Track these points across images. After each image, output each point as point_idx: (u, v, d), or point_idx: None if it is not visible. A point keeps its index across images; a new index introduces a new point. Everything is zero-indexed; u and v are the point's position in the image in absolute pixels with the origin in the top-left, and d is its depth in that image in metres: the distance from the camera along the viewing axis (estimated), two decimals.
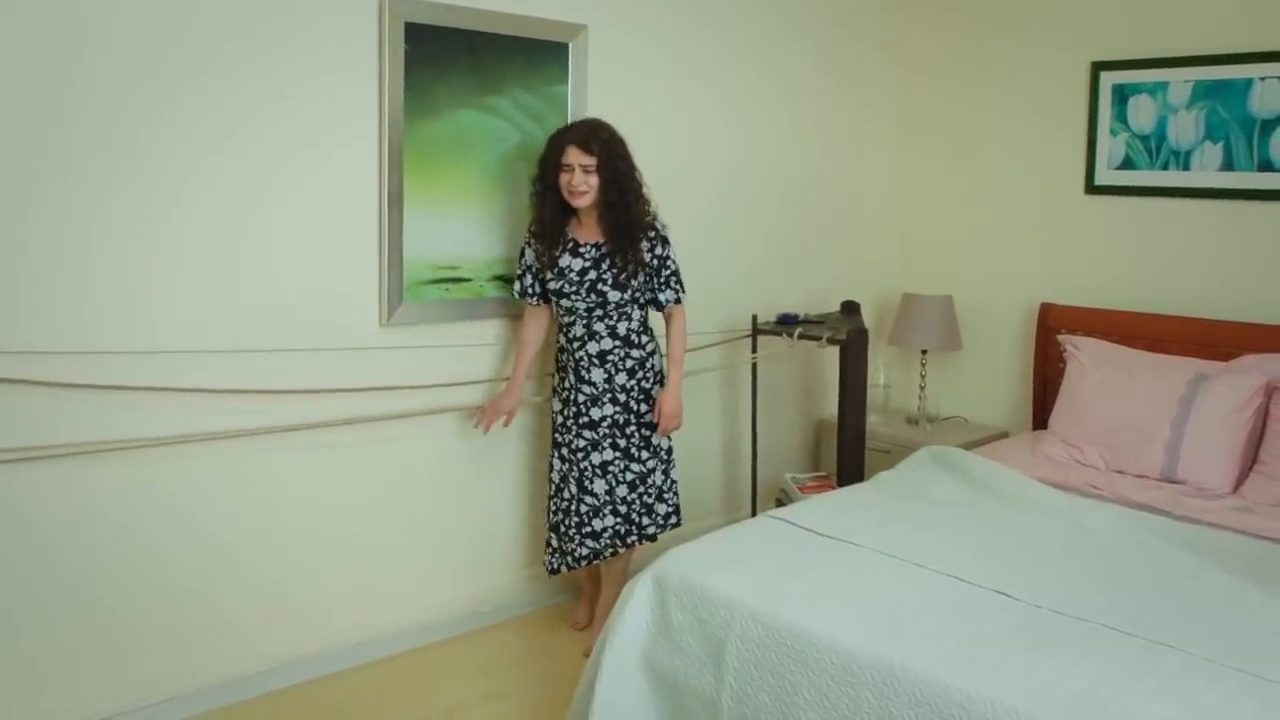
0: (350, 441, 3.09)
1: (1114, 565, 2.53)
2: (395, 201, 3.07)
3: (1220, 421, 3.19)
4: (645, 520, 3.24)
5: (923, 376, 4.32)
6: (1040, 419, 4.02)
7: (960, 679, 1.98)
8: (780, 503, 3.94)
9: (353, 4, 2.94)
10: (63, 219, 2.53)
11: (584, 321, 3.16)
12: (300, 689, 3.01)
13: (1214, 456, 3.17)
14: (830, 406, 4.45)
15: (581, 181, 3.04)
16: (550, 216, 3.13)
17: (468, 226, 3.26)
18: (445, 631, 3.36)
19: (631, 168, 3.11)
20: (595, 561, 3.25)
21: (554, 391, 3.31)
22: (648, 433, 3.23)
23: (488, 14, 3.18)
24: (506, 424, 3.31)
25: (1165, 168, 3.80)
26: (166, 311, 2.72)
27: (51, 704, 2.63)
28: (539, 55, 3.34)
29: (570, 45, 3.40)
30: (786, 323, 3.97)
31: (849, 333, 3.78)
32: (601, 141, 3.05)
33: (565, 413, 3.23)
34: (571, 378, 3.20)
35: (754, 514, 4.04)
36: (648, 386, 3.22)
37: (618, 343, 3.17)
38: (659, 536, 3.29)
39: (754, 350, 4.02)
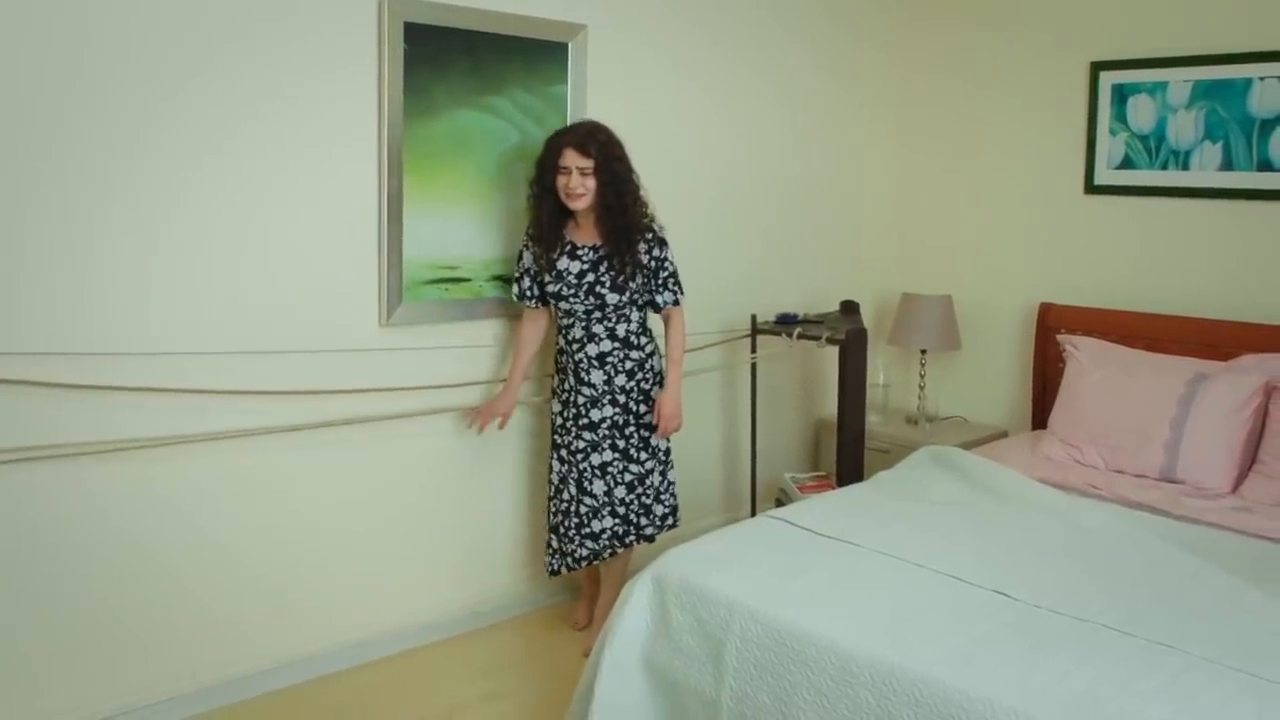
0: (350, 441, 3.09)
1: (1113, 565, 2.53)
2: (395, 201, 3.07)
3: (1219, 421, 3.19)
4: (643, 521, 3.24)
5: (922, 376, 4.32)
6: (1039, 419, 4.02)
7: (959, 679, 1.98)
8: (780, 502, 3.95)
9: (352, 4, 2.94)
10: (63, 219, 2.54)
11: (583, 324, 3.16)
12: (300, 689, 3.01)
13: (1213, 456, 3.17)
14: (830, 406, 4.45)
15: (579, 184, 3.04)
16: (548, 219, 3.13)
17: (467, 226, 3.26)
18: (445, 631, 3.36)
19: (629, 170, 3.10)
20: (595, 562, 3.25)
21: (553, 393, 3.31)
22: (646, 434, 3.23)
23: (487, 14, 3.19)
24: (501, 426, 3.31)
25: (1165, 167, 3.80)
26: (166, 311, 2.72)
27: (51, 704, 2.64)
28: (538, 55, 3.34)
29: (570, 45, 3.40)
30: (786, 322, 3.97)
31: (848, 332, 3.78)
32: (599, 144, 3.05)
33: (565, 414, 3.23)
34: (571, 379, 3.20)
35: (753, 514, 4.04)
36: (647, 388, 3.22)
37: (617, 344, 3.17)
38: (656, 537, 3.30)
39: (753, 350, 4.03)
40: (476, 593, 3.46)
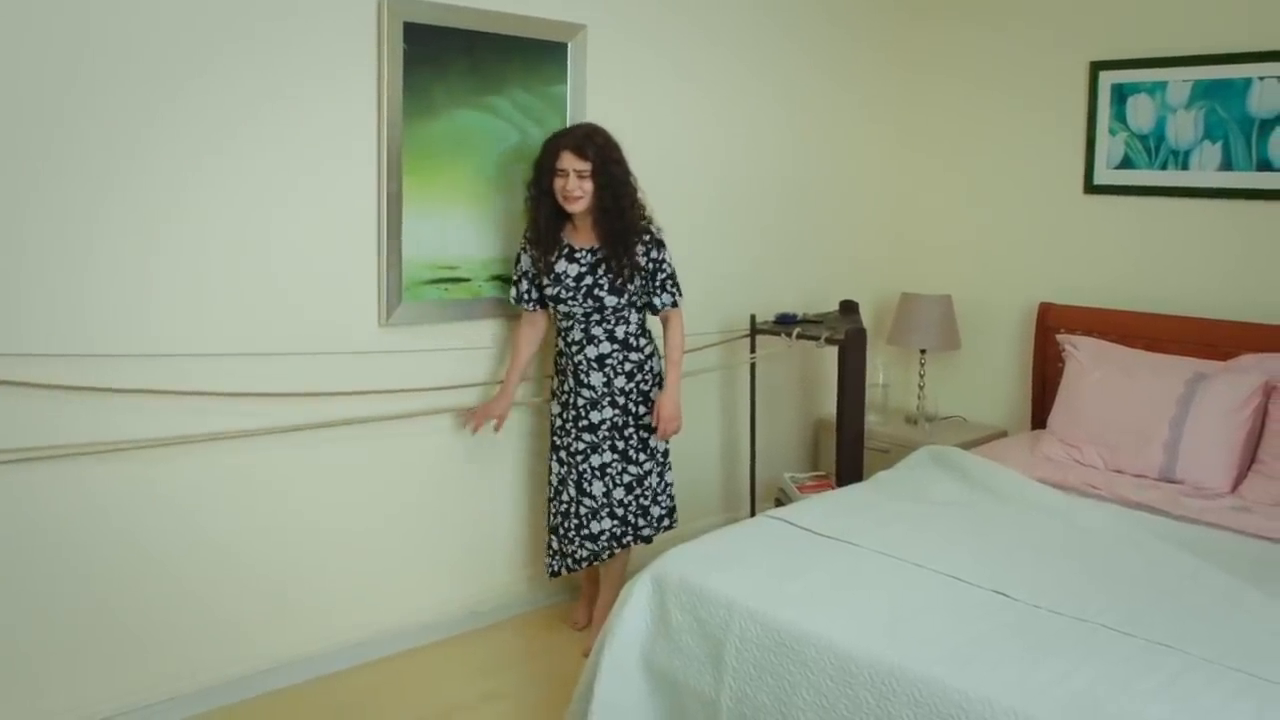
0: (350, 441, 3.09)
1: (1113, 565, 2.53)
2: (394, 201, 3.07)
3: (1219, 421, 3.19)
4: (641, 522, 3.25)
5: (921, 376, 4.32)
6: (1039, 418, 4.02)
7: (959, 679, 1.99)
8: (779, 502, 3.95)
9: (352, 4, 2.94)
10: (63, 219, 2.54)
11: (582, 326, 3.16)
12: (300, 689, 3.01)
13: (1212, 456, 3.17)
14: (829, 406, 4.45)
15: (576, 186, 3.04)
16: (545, 222, 3.13)
17: (466, 226, 3.26)
18: (444, 631, 3.36)
19: (626, 172, 3.10)
20: (594, 563, 3.25)
21: (553, 394, 3.31)
22: (645, 435, 3.23)
23: (487, 14, 3.19)
24: (497, 429, 3.30)
25: (1164, 167, 3.80)
26: (166, 312, 2.72)
27: (51, 704, 2.64)
28: (538, 55, 3.34)
29: (569, 45, 3.40)
30: (785, 322, 3.97)
31: (847, 332, 3.78)
32: (596, 146, 3.05)
33: (564, 415, 3.23)
34: (570, 381, 3.20)
35: (753, 514, 4.05)
36: (646, 389, 3.22)
37: (616, 346, 3.17)
38: (654, 539, 3.30)
39: (752, 350, 4.03)
40: (476, 593, 3.46)
